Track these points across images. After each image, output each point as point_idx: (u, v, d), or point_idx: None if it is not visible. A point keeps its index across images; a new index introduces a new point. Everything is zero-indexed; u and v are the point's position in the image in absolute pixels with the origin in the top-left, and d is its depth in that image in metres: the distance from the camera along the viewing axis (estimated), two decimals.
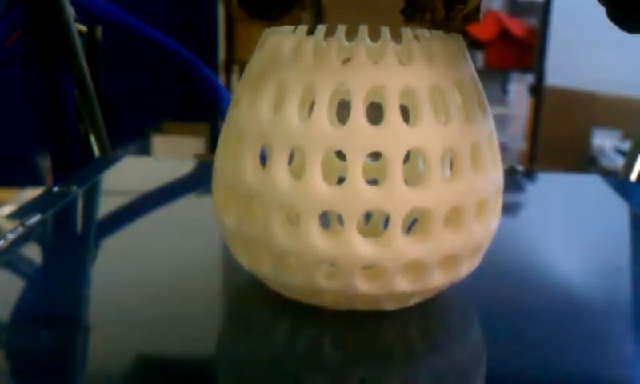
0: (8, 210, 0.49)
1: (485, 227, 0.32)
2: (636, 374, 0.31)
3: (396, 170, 0.29)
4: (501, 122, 1.97)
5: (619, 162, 1.73)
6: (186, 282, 0.38)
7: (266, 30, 0.34)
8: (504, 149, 1.93)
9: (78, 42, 0.64)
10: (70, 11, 0.63)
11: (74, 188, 0.53)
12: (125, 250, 0.44)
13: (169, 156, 1.74)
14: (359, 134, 0.29)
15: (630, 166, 0.62)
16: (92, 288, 0.39)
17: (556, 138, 2.04)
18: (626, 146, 0.65)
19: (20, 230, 0.43)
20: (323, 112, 0.29)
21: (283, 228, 0.31)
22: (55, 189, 0.53)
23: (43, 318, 0.34)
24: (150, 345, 0.32)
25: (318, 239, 0.30)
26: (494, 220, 0.33)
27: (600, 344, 0.33)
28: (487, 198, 0.32)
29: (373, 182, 0.30)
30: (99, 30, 0.79)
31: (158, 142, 1.83)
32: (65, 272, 0.40)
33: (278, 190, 0.30)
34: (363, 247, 0.30)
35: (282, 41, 0.31)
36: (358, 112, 0.29)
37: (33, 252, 0.43)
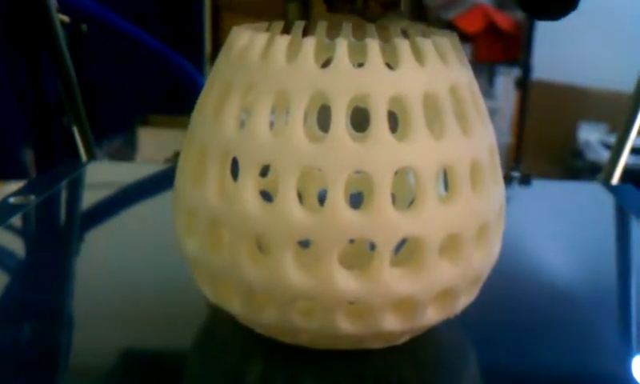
0: None
1: (485, 255, 0.28)
2: None
3: (383, 193, 0.25)
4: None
5: (605, 155, 1.71)
6: (152, 303, 0.34)
7: (234, 27, 0.29)
8: None
9: (61, 33, 0.62)
10: (53, 2, 0.61)
11: (32, 198, 0.49)
12: (84, 267, 0.40)
13: (154, 149, 1.71)
14: (340, 151, 0.25)
15: (612, 168, 0.60)
16: (42, 311, 0.34)
17: (542, 131, 2.02)
18: (612, 139, 0.63)
19: None
20: (298, 124, 0.25)
21: (253, 258, 0.26)
22: (12, 199, 0.48)
23: None
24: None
25: (292, 272, 0.25)
26: (495, 245, 0.29)
27: (606, 368, 0.30)
28: (488, 222, 0.27)
29: (357, 196, 0.25)
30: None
31: (144, 134, 1.79)
32: (13, 295, 0.36)
33: (246, 215, 0.26)
34: (345, 281, 0.25)
35: (251, 39, 0.27)
36: (339, 125, 0.25)
37: None
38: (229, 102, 0.27)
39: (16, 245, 0.44)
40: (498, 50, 1.93)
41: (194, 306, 0.34)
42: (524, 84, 1.94)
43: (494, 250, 0.29)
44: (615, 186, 0.56)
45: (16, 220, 0.45)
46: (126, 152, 1.75)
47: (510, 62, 1.98)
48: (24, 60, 0.65)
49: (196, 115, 0.29)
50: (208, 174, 0.27)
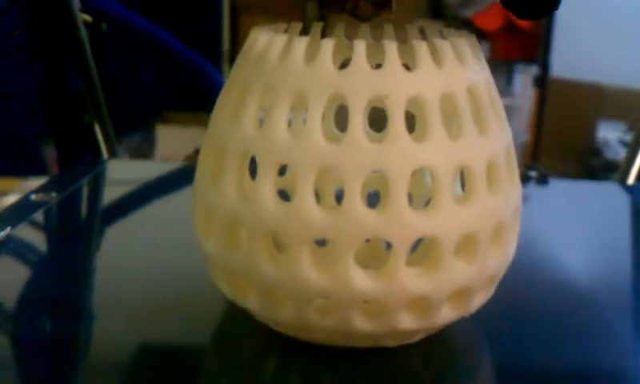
0: (12, 199, 0.49)
1: (501, 254, 0.28)
2: None
3: (400, 193, 0.25)
4: (506, 114, 1.95)
5: (623, 154, 1.70)
6: (170, 300, 0.34)
7: (254, 28, 0.30)
8: None
9: (83, 32, 0.62)
10: (75, 1, 0.61)
11: (54, 195, 0.49)
12: (104, 263, 0.40)
13: (173, 146, 1.72)
14: (357, 152, 0.25)
15: (628, 167, 0.59)
16: (62, 306, 0.35)
17: (560, 129, 2.01)
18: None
19: None
20: (316, 124, 0.25)
21: (270, 257, 0.27)
22: (33, 196, 0.49)
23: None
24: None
25: (309, 271, 0.26)
26: (511, 245, 0.29)
27: (622, 367, 0.30)
28: (504, 222, 0.28)
29: (374, 195, 0.26)
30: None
31: (162, 132, 1.81)
32: (35, 290, 0.37)
33: (264, 214, 0.26)
34: (361, 280, 0.26)
35: (270, 41, 0.27)
36: (357, 126, 0.25)
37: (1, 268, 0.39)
38: (248, 102, 0.27)
39: (38, 240, 0.45)
40: (516, 48, 1.92)
41: (211, 303, 0.34)
42: (542, 82, 1.93)
43: (509, 249, 0.29)
44: (632, 186, 0.56)
45: (37, 216, 0.46)
46: (145, 149, 1.77)
47: (529, 59, 1.97)
48: (46, 58, 0.66)
49: (215, 115, 0.29)
50: (227, 173, 0.27)
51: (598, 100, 2.03)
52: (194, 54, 0.78)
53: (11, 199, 0.49)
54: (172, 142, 1.77)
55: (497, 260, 0.28)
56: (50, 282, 0.38)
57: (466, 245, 0.27)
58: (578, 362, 0.31)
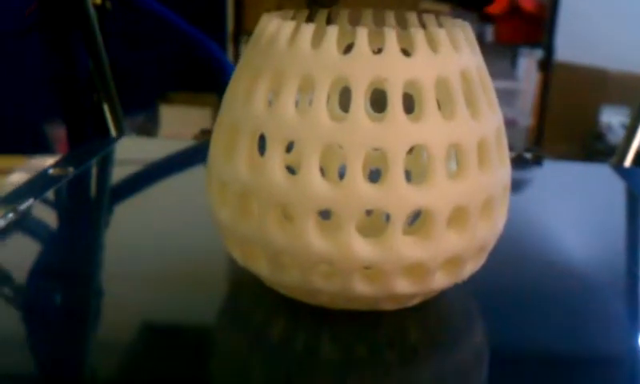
0: (17, 176, 0.50)
1: (490, 227, 0.31)
2: None
3: (397, 168, 0.27)
4: (510, 97, 1.95)
5: None
6: (184, 267, 0.37)
7: (264, 14, 0.32)
8: (513, 124, 1.91)
9: (92, 13, 0.64)
10: None
11: (71, 170, 0.52)
12: (122, 235, 0.43)
13: (176, 126, 1.74)
14: (359, 130, 0.27)
15: (625, 150, 0.61)
16: (83, 276, 0.38)
17: (564, 113, 2.01)
18: None
19: (11, 216, 0.42)
20: (321, 105, 0.28)
21: (279, 226, 0.29)
22: (51, 170, 0.52)
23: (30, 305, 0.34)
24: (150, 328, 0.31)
25: (314, 238, 0.28)
26: (500, 219, 0.32)
27: (610, 341, 0.32)
28: (493, 197, 0.30)
29: (375, 172, 0.28)
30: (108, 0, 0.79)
31: (166, 112, 1.82)
32: (56, 259, 0.39)
33: (273, 187, 0.28)
34: (362, 248, 0.28)
35: (279, 27, 0.30)
36: (358, 106, 0.28)
37: (25, 238, 0.42)
38: (258, 84, 0.29)
39: (55, 213, 0.48)
40: (520, 32, 1.92)
41: (223, 272, 0.37)
42: (546, 66, 1.94)
43: (498, 222, 0.31)
44: (625, 169, 0.59)
45: (58, 189, 0.49)
46: (149, 128, 1.78)
47: (533, 43, 1.97)
48: (56, 38, 0.68)
49: (228, 96, 0.32)
50: (239, 149, 0.30)
51: (601, 84, 2.03)
52: (201, 35, 0.80)
53: (16, 177, 0.51)
54: (175, 122, 1.78)
55: (486, 232, 0.30)
56: (80, 248, 0.40)
57: (458, 217, 0.29)
58: (563, 328, 0.33)
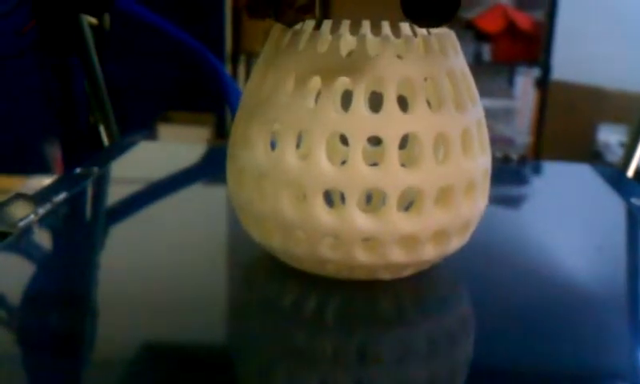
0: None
1: (472, 206, 0.36)
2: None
3: (392, 153, 0.32)
4: (507, 116, 2.00)
5: None
6: (205, 257, 0.42)
7: (275, 25, 0.37)
8: (510, 142, 1.96)
9: (89, 33, 0.67)
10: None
11: (96, 170, 0.57)
12: (146, 226, 0.48)
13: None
14: (360, 121, 0.32)
15: (627, 162, 0.64)
16: (113, 263, 0.42)
17: (561, 132, 2.04)
18: None
19: (49, 206, 0.47)
20: (328, 100, 0.33)
21: (291, 204, 0.34)
22: (77, 170, 0.56)
23: (64, 292, 0.38)
24: (167, 313, 0.36)
25: (322, 214, 0.33)
26: (481, 200, 0.36)
27: (584, 316, 0.36)
28: (475, 180, 0.35)
29: (373, 165, 0.33)
30: (107, 19, 0.81)
31: (164, 131, 1.86)
32: (90, 247, 0.44)
33: (287, 170, 0.33)
34: (363, 221, 0.33)
35: (296, 34, 0.35)
36: (359, 101, 0.33)
37: (60, 227, 0.47)
38: (279, 82, 0.34)
39: (83, 207, 0.52)
40: (517, 50, 1.97)
41: (241, 249, 0.42)
42: (543, 84, 1.97)
43: (479, 203, 0.36)
44: (601, 168, 0.63)
45: (86, 185, 0.54)
46: None
47: (530, 61, 2.00)
48: (53, 60, 0.69)
49: (246, 94, 0.37)
50: (256, 138, 0.35)
51: (599, 103, 2.06)
52: (201, 47, 0.80)
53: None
54: (174, 141, 1.80)
55: (469, 210, 0.35)
56: (113, 229, 0.45)
57: (444, 196, 0.34)
58: (541, 300, 0.38)
